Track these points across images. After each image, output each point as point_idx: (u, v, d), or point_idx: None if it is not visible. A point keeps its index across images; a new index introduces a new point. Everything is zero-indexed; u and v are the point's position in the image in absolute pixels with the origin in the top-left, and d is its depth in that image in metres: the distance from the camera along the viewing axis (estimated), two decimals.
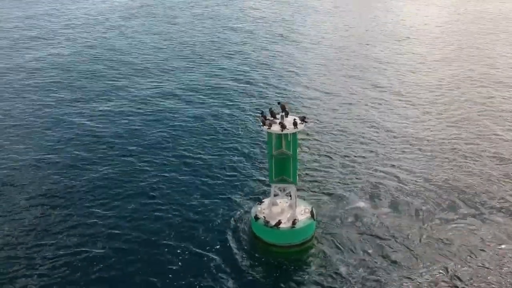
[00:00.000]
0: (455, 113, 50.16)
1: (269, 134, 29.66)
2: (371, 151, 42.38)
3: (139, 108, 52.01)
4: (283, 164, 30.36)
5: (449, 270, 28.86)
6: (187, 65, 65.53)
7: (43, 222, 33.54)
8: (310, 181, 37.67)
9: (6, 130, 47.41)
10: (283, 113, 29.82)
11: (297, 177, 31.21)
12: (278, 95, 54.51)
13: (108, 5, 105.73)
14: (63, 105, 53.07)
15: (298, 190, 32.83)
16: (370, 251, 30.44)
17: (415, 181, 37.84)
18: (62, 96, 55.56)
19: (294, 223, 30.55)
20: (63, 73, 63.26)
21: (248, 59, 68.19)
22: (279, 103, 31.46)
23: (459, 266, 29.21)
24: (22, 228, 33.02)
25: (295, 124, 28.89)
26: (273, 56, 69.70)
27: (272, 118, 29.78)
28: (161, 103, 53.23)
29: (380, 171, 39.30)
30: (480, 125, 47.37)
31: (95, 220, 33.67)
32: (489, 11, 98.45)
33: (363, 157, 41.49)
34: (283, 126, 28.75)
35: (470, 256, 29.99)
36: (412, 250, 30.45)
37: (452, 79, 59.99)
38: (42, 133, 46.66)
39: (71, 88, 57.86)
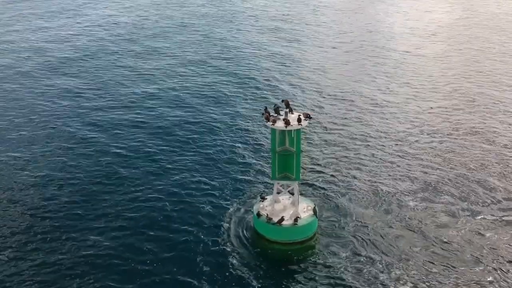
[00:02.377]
0: (479, 113, 49.59)
1: (273, 130, 29.77)
2: (385, 146, 42.46)
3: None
4: (286, 161, 30.37)
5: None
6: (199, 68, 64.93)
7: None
8: (315, 177, 37.67)
9: None
10: (287, 110, 29.94)
11: (300, 174, 31.26)
12: (282, 94, 54.42)
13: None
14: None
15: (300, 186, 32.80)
16: (373, 250, 30.27)
17: (431, 177, 37.80)
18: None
19: (296, 220, 30.52)
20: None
21: (253, 59, 68.05)
22: (282, 101, 31.61)
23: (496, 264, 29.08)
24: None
25: (299, 120, 29.00)
26: (282, 56, 69.37)
27: (276, 115, 29.89)
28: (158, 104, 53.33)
29: (398, 166, 39.49)
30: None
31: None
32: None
33: (375, 154, 41.55)
34: (287, 122, 28.84)
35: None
36: (415, 249, 30.32)
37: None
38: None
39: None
